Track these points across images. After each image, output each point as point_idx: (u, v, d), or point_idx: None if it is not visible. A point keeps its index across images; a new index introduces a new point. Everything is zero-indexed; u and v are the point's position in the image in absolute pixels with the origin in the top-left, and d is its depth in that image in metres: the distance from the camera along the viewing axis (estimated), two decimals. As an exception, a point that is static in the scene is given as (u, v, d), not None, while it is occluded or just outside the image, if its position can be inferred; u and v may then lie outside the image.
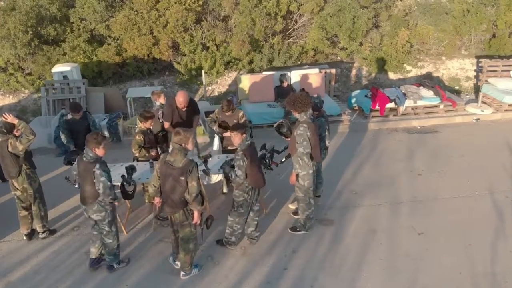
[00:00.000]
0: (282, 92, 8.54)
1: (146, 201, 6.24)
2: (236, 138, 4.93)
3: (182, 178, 4.41)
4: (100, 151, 4.61)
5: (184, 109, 6.16)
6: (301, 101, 5.16)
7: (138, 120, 6.02)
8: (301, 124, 5.17)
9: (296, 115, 5.28)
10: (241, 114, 6.28)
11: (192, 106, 6.31)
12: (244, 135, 4.92)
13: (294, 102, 5.18)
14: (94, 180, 4.57)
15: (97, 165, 4.55)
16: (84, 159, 4.62)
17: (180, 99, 6.03)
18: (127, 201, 5.97)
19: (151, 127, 6.02)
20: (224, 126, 6.12)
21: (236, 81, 10.28)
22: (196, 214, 4.64)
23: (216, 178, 5.70)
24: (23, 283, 4.98)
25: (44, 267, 5.18)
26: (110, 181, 4.66)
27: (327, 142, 5.84)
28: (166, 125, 6.21)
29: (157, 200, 4.84)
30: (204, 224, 4.87)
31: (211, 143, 7.19)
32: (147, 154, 5.95)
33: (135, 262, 5.25)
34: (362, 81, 11.56)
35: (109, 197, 4.68)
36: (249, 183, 4.97)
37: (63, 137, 6.26)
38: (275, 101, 9.25)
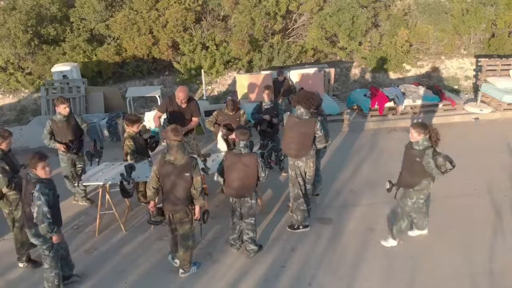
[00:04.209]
0: (277, 85, 8.61)
1: (145, 199, 6.25)
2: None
3: (187, 174, 4.49)
4: (40, 172, 4.18)
5: (184, 106, 6.06)
6: (300, 96, 5.37)
7: (125, 125, 5.89)
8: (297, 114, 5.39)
9: (297, 110, 5.42)
10: (242, 112, 6.32)
11: (191, 106, 6.15)
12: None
13: (297, 96, 5.45)
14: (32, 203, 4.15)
15: (37, 187, 4.13)
16: (28, 178, 4.27)
17: (179, 93, 5.93)
18: (126, 199, 6.00)
19: (139, 131, 5.93)
20: (230, 129, 6.14)
21: (235, 81, 10.30)
22: (197, 209, 4.69)
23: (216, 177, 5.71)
24: (22, 281, 5.00)
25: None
26: (49, 207, 4.14)
27: (327, 140, 5.84)
28: (157, 115, 6.19)
29: (151, 204, 4.82)
30: (201, 219, 4.89)
31: (214, 143, 7.18)
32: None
33: (134, 260, 5.27)
34: (361, 81, 11.57)
35: (43, 224, 4.12)
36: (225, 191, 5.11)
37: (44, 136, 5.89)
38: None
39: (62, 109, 5.78)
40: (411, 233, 5.60)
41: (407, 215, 5.28)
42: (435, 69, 11.84)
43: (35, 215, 4.13)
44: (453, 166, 4.74)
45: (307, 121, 5.33)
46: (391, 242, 5.44)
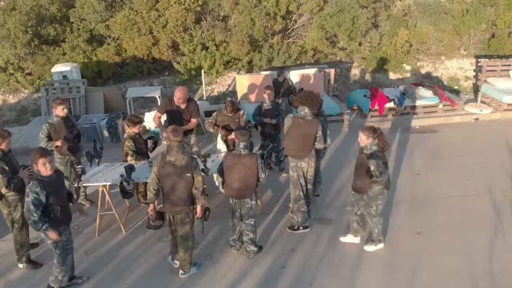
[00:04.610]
0: (277, 86, 8.63)
1: (145, 199, 6.24)
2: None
3: (189, 174, 4.50)
4: (40, 168, 4.23)
5: (183, 106, 6.04)
6: (304, 97, 5.36)
7: (125, 125, 5.88)
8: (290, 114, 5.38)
9: (300, 111, 5.41)
10: (241, 112, 6.31)
11: (190, 106, 6.13)
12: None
13: (300, 96, 5.41)
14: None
15: (30, 183, 4.22)
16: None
17: (177, 93, 5.92)
18: (126, 200, 6.00)
19: (140, 132, 5.93)
20: (229, 129, 6.13)
21: (235, 81, 10.30)
22: (199, 208, 4.70)
23: (216, 178, 5.72)
24: (22, 281, 4.99)
25: (44, 266, 5.18)
26: (35, 205, 4.16)
27: (328, 141, 5.85)
28: (157, 115, 6.17)
29: (151, 208, 4.82)
30: (203, 217, 4.89)
31: (214, 144, 7.18)
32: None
33: (134, 261, 5.27)
34: (361, 81, 11.57)
35: (29, 221, 4.21)
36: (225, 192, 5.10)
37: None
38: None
39: (60, 111, 5.68)
40: (342, 239, 5.48)
41: (377, 222, 5.22)
42: (435, 70, 11.85)
43: (24, 210, 4.26)
44: (380, 176, 4.74)
45: (311, 122, 5.35)
46: (373, 247, 5.36)
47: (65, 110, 5.73)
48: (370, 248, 5.36)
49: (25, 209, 4.21)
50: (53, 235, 4.33)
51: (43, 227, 4.24)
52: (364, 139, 4.82)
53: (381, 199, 5.02)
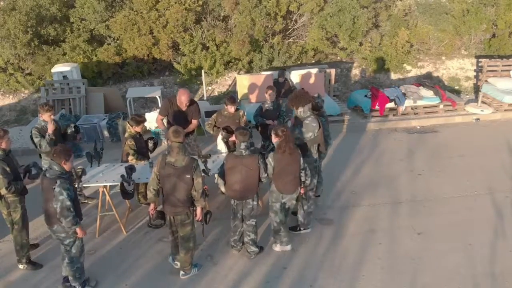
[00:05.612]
0: (278, 87, 8.62)
1: (145, 200, 6.23)
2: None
3: (188, 176, 4.47)
4: (67, 167, 4.34)
5: (183, 108, 6.02)
6: (299, 96, 5.33)
7: (128, 125, 5.88)
8: (308, 116, 5.33)
9: (296, 112, 5.35)
10: (241, 113, 6.28)
11: (191, 108, 6.10)
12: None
13: (293, 98, 5.37)
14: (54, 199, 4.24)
15: (58, 182, 4.21)
16: (47, 174, 4.32)
17: (182, 97, 5.90)
18: (127, 200, 5.99)
19: (141, 131, 5.93)
20: (229, 131, 6.11)
21: (235, 81, 10.29)
22: (199, 210, 4.68)
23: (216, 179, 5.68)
24: (22, 283, 4.98)
25: (44, 267, 5.18)
26: (71, 201, 4.24)
27: (329, 141, 5.85)
28: (160, 118, 6.17)
29: (151, 207, 4.81)
30: (204, 220, 4.88)
31: (214, 144, 7.16)
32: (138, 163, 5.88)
33: (135, 262, 5.26)
34: (362, 81, 11.56)
35: (68, 218, 4.24)
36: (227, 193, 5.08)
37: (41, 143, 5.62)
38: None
39: (47, 117, 5.64)
40: (275, 247, 5.43)
41: (272, 217, 5.26)
42: (436, 70, 11.84)
43: (58, 210, 4.22)
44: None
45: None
46: (279, 247, 5.39)
47: (52, 117, 5.70)
48: (275, 247, 5.41)
49: (61, 207, 4.19)
50: (80, 231, 4.42)
51: (79, 221, 4.32)
52: (273, 137, 5.04)
53: (275, 197, 5.11)
